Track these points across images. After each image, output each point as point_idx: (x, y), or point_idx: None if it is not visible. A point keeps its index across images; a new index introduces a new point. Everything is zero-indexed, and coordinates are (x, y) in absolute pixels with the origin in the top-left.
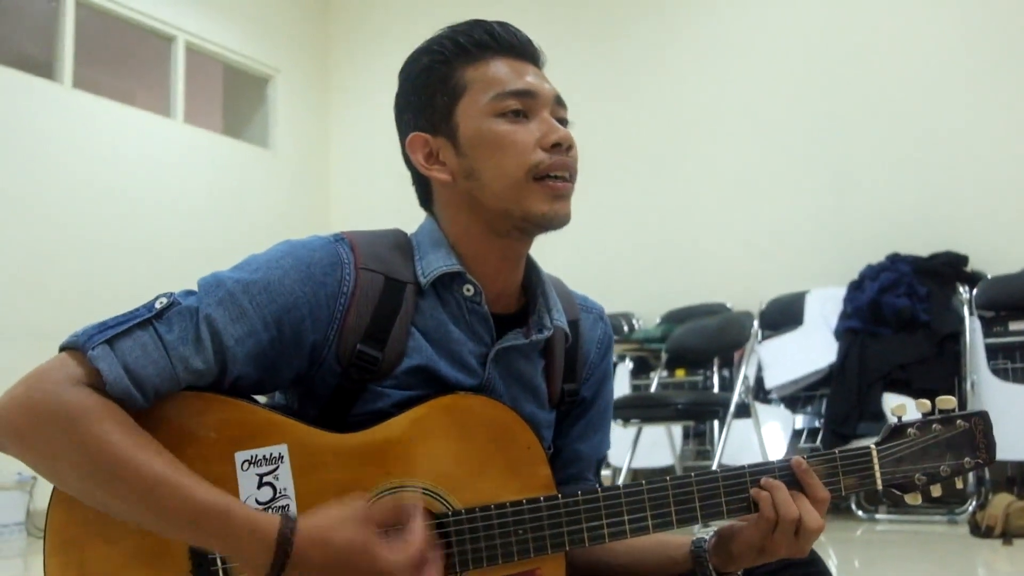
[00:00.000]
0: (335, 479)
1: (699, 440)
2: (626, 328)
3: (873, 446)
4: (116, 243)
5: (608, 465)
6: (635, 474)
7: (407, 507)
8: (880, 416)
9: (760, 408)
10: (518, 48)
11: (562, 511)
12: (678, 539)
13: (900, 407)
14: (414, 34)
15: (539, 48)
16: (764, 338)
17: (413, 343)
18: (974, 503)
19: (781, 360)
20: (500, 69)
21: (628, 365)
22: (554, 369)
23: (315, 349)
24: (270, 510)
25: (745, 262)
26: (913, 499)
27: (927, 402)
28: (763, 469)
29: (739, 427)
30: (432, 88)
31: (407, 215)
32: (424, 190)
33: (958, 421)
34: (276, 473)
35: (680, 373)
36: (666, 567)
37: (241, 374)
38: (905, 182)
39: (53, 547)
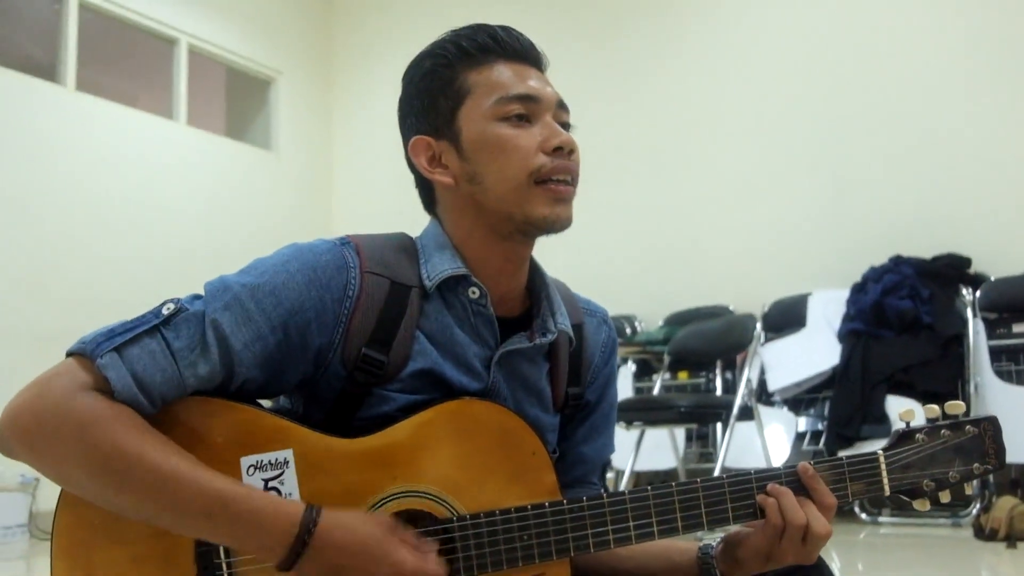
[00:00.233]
0: (340, 483)
1: (702, 443)
2: (628, 330)
3: (881, 452)
4: (118, 245)
5: (611, 468)
6: (638, 477)
7: (427, 543)
8: (883, 418)
9: (763, 410)
10: (521, 52)
11: (567, 517)
12: (684, 545)
13: (908, 412)
14: (417, 36)
15: (542, 52)
16: (767, 340)
17: (418, 347)
18: (978, 506)
19: (784, 362)
20: (503, 73)
21: (631, 367)
22: (558, 373)
23: (321, 353)
24: None
25: (748, 264)
26: (921, 505)
27: (936, 407)
28: (770, 475)
29: (742, 429)
30: (435, 92)
31: (410, 217)
32: (427, 193)
33: (967, 426)
34: (282, 478)
35: (683, 375)
36: (672, 573)
37: (247, 378)
38: (908, 184)
39: (60, 550)
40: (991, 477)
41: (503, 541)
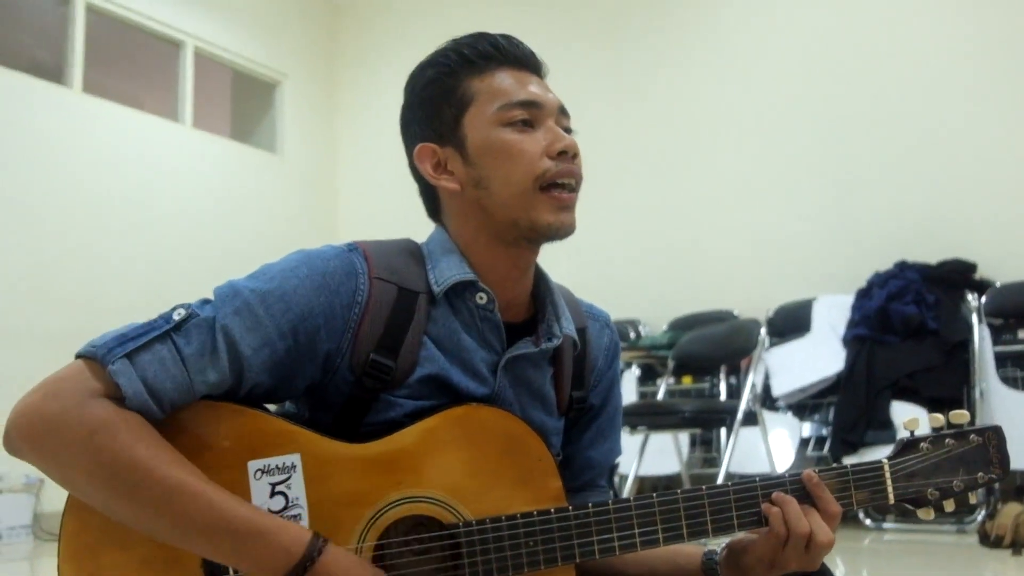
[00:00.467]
0: (347, 489)
1: (706, 448)
2: (632, 335)
3: (885, 460)
4: (124, 247)
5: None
6: (641, 482)
7: None
8: (888, 424)
9: (767, 416)
10: (522, 60)
11: (572, 523)
12: (690, 550)
13: (913, 421)
14: (420, 39)
15: (542, 60)
16: (771, 345)
17: (425, 352)
18: (983, 513)
19: (788, 367)
20: (505, 80)
21: (635, 372)
22: (563, 377)
23: (329, 358)
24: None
25: (752, 269)
26: (926, 514)
27: (940, 416)
28: (774, 483)
29: (746, 435)
30: (439, 99)
31: (414, 219)
32: (432, 201)
33: (971, 436)
34: (288, 482)
35: (687, 380)
36: None
37: (256, 383)
38: (913, 189)
39: (67, 554)
40: (996, 484)
41: (509, 547)
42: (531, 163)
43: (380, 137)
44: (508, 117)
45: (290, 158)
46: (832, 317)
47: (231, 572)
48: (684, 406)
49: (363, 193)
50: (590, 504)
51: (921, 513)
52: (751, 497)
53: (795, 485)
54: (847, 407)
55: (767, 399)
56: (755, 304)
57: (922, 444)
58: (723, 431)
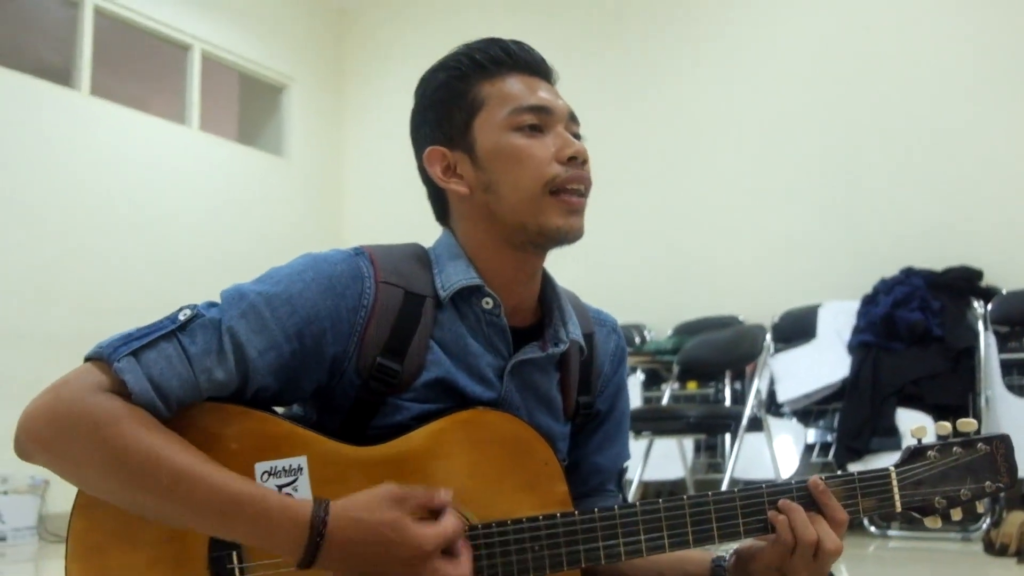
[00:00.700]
0: (354, 491)
1: (711, 453)
2: (638, 340)
3: (892, 468)
4: (130, 249)
5: None
6: (646, 487)
7: (437, 492)
8: (893, 431)
9: (772, 422)
10: (532, 65)
11: (578, 528)
12: (698, 556)
13: (920, 429)
14: (427, 44)
15: (552, 66)
16: (776, 351)
17: (432, 356)
18: (988, 521)
19: (794, 373)
20: (515, 85)
21: (640, 377)
22: (569, 382)
23: (335, 362)
24: None
25: (758, 275)
26: (933, 522)
27: (947, 424)
28: (781, 489)
29: (751, 441)
30: (450, 103)
31: (420, 223)
32: (440, 204)
33: (979, 444)
34: (295, 484)
35: (692, 386)
36: None
37: (262, 385)
38: (920, 195)
39: (75, 553)
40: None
41: (515, 551)
42: (540, 168)
43: (386, 141)
44: (518, 122)
45: (296, 161)
46: (838, 323)
47: (236, 571)
48: (689, 411)
49: (369, 197)
50: (595, 509)
51: (928, 521)
52: (758, 504)
53: (801, 492)
54: (852, 414)
55: (772, 405)
56: (760, 310)
57: (929, 452)
58: (728, 437)
